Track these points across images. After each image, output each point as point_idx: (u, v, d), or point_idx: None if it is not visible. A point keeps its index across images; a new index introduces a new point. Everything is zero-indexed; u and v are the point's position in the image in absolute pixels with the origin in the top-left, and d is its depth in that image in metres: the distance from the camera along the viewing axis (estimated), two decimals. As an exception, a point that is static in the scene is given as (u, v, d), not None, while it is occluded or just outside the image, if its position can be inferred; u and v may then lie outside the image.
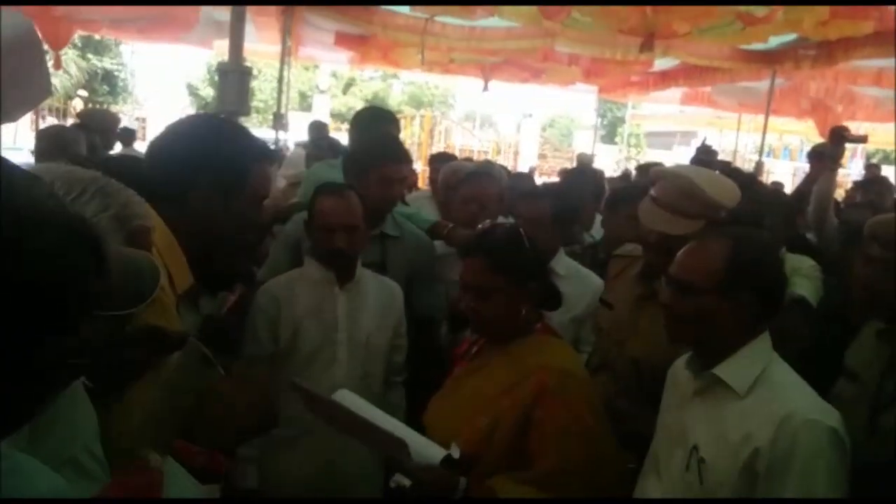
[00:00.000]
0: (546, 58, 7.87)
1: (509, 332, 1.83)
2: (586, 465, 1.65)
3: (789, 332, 1.91)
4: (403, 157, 2.75)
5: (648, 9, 4.74)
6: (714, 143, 7.84)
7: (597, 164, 10.14)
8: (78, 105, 20.94)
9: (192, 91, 29.25)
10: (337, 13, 7.03)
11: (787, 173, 19.01)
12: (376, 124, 3.13)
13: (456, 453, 1.68)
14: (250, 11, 7.15)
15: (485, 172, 3.36)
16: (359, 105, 34.92)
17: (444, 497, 1.59)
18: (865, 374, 1.83)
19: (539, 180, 9.69)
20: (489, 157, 20.05)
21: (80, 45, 21.77)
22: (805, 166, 4.75)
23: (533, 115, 23.64)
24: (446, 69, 9.37)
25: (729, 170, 4.05)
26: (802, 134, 15.58)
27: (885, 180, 4.84)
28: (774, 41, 6.10)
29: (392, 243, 2.71)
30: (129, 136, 7.72)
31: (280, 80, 8.03)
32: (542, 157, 24.69)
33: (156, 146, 1.54)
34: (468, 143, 23.21)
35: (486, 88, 9.28)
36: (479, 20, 6.24)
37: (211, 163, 1.50)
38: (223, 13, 7.87)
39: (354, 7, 6.93)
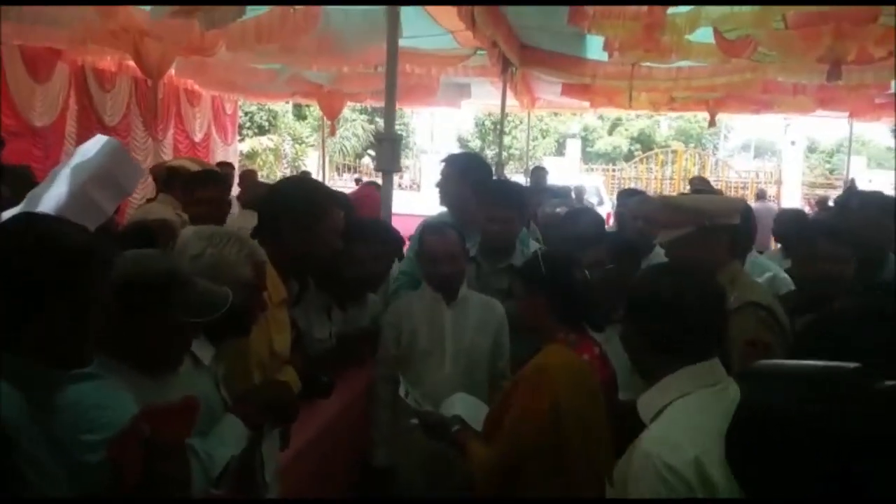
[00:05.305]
0: (766, 89, 7.75)
1: (536, 334, 2.34)
2: (535, 450, 2.03)
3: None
4: None
5: (827, 37, 4.70)
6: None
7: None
8: (367, 163, 24.17)
9: (463, 143, 31.91)
10: (549, 68, 7.69)
11: None
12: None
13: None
14: (482, 73, 8.17)
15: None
16: (624, 144, 35.15)
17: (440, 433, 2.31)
18: None
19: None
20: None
21: (368, 111, 25.02)
22: None
23: (796, 142, 22.01)
24: (671, 107, 9.54)
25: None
26: None
27: None
28: None
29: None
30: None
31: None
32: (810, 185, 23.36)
33: (262, 199, 2.37)
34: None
35: (712, 123, 9.24)
36: (675, 62, 6.48)
37: (291, 209, 2.29)
38: (459, 78, 9.04)
39: (565, 60, 7.55)
